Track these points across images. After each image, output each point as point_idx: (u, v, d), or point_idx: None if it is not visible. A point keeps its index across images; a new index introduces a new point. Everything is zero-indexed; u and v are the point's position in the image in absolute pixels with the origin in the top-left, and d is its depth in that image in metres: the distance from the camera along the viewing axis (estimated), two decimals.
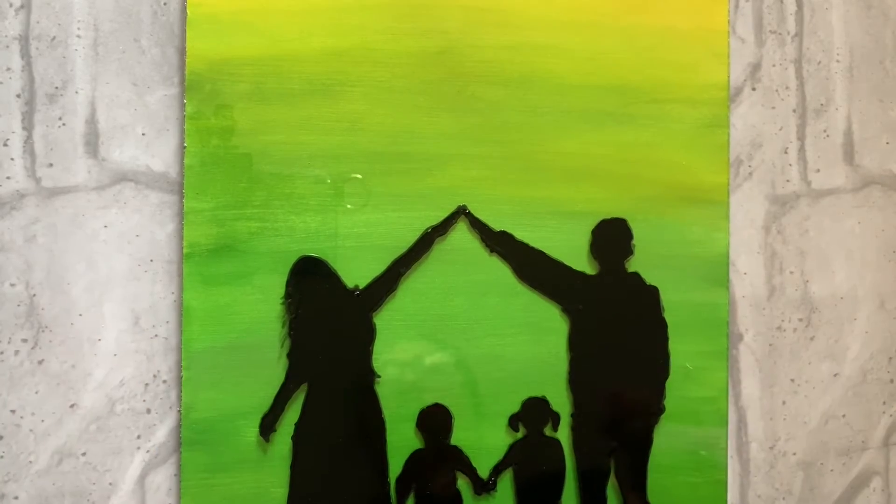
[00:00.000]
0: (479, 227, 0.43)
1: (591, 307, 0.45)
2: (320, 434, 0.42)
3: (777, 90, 0.48)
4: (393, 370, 0.43)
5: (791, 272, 0.48)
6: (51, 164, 0.40)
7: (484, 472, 0.43)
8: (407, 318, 0.43)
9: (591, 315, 0.45)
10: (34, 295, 0.39)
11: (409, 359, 0.43)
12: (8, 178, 0.39)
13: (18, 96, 0.39)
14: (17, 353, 0.39)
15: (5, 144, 0.39)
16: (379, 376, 0.43)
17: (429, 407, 0.43)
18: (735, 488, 0.47)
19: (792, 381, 0.48)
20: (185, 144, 0.41)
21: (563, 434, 0.44)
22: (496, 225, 0.44)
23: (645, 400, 0.46)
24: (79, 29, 0.40)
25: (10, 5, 0.39)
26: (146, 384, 0.41)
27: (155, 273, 0.41)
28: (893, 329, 0.50)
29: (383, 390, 0.43)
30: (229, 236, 0.41)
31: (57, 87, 0.40)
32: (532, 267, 0.44)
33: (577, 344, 0.45)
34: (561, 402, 0.44)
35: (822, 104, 0.49)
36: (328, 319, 0.42)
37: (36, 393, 0.39)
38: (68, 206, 0.40)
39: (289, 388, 0.42)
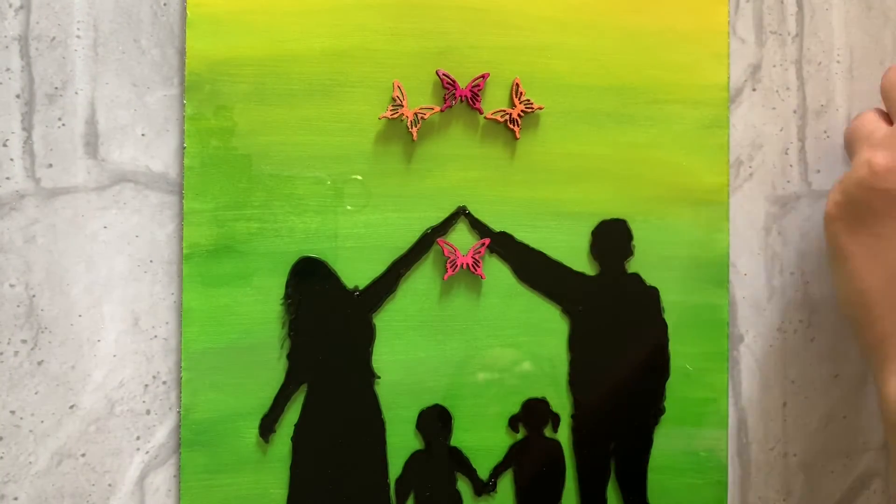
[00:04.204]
0: (479, 227, 0.43)
1: (591, 308, 0.45)
2: (320, 434, 0.42)
3: (777, 91, 0.48)
4: (393, 370, 0.43)
5: (791, 273, 0.48)
6: (50, 165, 0.40)
7: (484, 473, 0.43)
8: (407, 318, 0.43)
9: (592, 316, 0.45)
10: (34, 296, 0.39)
11: (408, 359, 0.43)
12: (7, 178, 0.39)
13: (18, 97, 0.39)
14: (16, 353, 0.39)
15: (5, 145, 0.39)
16: (379, 377, 0.43)
17: (429, 408, 0.43)
18: (735, 490, 0.47)
19: (792, 382, 0.48)
20: (185, 145, 0.41)
21: (564, 435, 0.44)
22: (496, 225, 0.44)
23: (645, 401, 0.46)
24: (78, 29, 0.40)
25: (10, 5, 0.39)
26: (146, 385, 0.41)
27: (155, 274, 0.41)
28: None
29: (383, 391, 0.43)
30: (229, 237, 0.41)
31: (56, 88, 0.40)
32: (532, 268, 0.44)
33: (578, 345, 0.45)
34: (561, 403, 0.44)
35: (822, 105, 0.49)
36: (328, 320, 0.42)
37: (35, 394, 0.39)
38: (68, 207, 0.40)
39: (288, 388, 0.42)
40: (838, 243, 0.41)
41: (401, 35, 0.42)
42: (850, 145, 0.45)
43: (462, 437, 0.43)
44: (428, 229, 0.43)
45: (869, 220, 0.39)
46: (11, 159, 0.39)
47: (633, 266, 0.45)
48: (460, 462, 0.43)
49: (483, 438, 0.43)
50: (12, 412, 0.39)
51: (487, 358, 0.43)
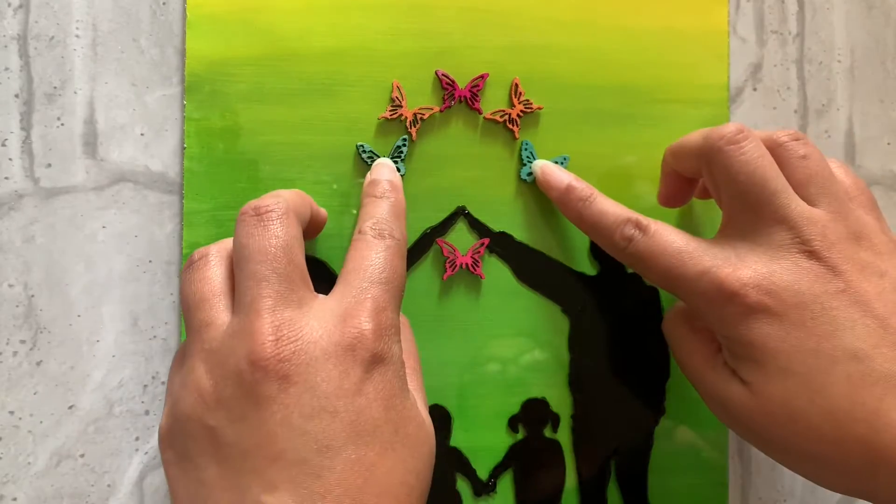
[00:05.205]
0: (478, 227, 0.43)
1: (591, 308, 0.45)
2: None
3: (778, 90, 0.48)
4: None
5: None
6: (49, 165, 0.40)
7: (484, 473, 0.43)
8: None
9: (592, 316, 0.45)
10: (32, 296, 0.39)
11: None
12: (6, 178, 0.39)
13: (17, 96, 0.39)
14: (15, 354, 0.39)
15: (3, 145, 0.39)
16: None
17: (428, 408, 0.43)
18: (736, 490, 0.47)
19: None
20: (185, 145, 0.41)
21: (564, 435, 0.44)
22: (496, 225, 0.44)
23: (645, 401, 0.45)
24: (77, 29, 0.40)
25: (9, 5, 0.39)
26: (145, 385, 0.41)
27: (154, 274, 0.41)
28: None
29: None
30: (229, 237, 0.41)
31: (55, 87, 0.40)
32: (532, 268, 0.44)
33: (578, 345, 0.45)
34: (561, 403, 0.44)
35: (823, 105, 0.49)
36: None
37: (34, 394, 0.39)
38: (67, 207, 0.40)
39: None
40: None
41: (401, 35, 0.42)
42: None
43: (462, 437, 0.43)
44: (427, 229, 0.43)
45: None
46: (10, 159, 0.39)
47: None
48: (460, 462, 0.43)
49: (483, 438, 0.43)
50: (11, 412, 0.39)
51: (487, 358, 0.43)
